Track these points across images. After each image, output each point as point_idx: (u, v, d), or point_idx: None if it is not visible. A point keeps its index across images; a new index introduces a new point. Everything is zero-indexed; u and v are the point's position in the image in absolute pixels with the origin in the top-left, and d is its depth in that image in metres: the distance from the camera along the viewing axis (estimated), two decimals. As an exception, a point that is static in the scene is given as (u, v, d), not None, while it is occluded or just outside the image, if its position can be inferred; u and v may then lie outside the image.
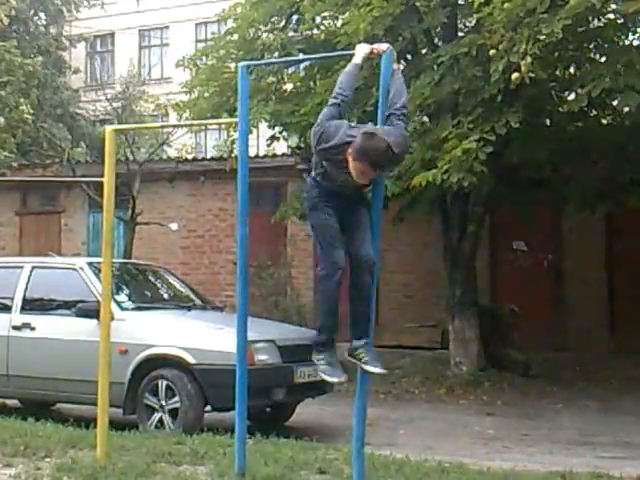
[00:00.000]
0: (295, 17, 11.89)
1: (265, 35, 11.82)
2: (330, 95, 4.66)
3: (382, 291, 13.15)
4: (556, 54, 9.65)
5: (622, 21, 9.42)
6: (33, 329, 8.24)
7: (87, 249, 16.34)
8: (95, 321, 7.18)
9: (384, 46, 4.67)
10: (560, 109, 10.78)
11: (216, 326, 8.03)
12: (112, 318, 6.54)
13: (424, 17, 10.60)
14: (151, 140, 20.41)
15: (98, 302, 7.05)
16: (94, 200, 13.85)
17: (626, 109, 9.60)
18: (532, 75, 8.46)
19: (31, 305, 8.46)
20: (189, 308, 8.86)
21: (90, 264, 8.49)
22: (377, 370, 4.46)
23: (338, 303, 4.48)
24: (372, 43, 4.86)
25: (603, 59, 9.75)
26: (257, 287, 13.98)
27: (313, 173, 4.60)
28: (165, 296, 9.37)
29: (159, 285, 9.53)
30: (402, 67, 10.72)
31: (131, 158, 15.14)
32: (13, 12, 18.54)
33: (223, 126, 16.05)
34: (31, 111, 16.46)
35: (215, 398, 7.39)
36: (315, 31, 11.65)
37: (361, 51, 4.67)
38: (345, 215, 4.53)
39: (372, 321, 4.59)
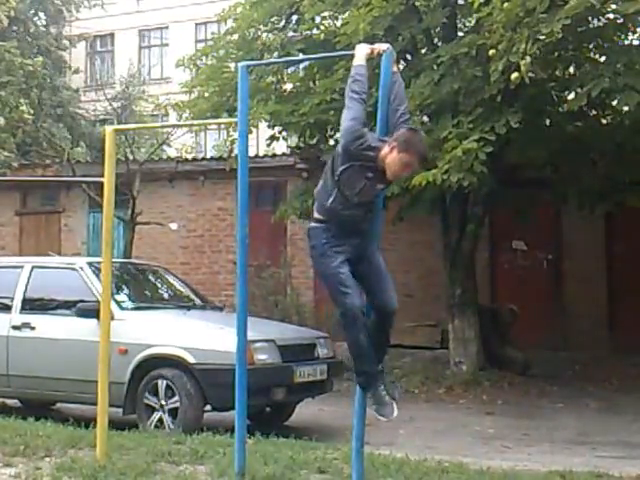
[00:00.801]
0: (295, 17, 11.88)
1: (265, 35, 11.82)
2: (346, 95, 4.52)
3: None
4: (556, 54, 9.65)
5: (622, 21, 9.41)
6: (33, 329, 8.25)
7: (87, 249, 16.32)
8: (95, 321, 7.18)
9: (384, 46, 4.65)
10: (560, 109, 10.77)
11: (216, 326, 8.04)
12: (112, 318, 6.56)
13: (424, 17, 10.60)
14: (151, 140, 20.43)
15: (98, 302, 7.05)
16: (94, 200, 13.82)
17: (626, 109, 9.58)
18: (532, 75, 8.46)
19: (31, 305, 8.47)
20: (189, 308, 8.86)
21: (90, 264, 8.50)
22: (386, 419, 4.45)
23: (369, 344, 4.42)
24: (372, 43, 4.85)
25: (603, 59, 9.75)
26: (257, 287, 13.97)
27: (328, 202, 4.44)
28: (165, 296, 9.39)
29: (159, 285, 9.53)
30: (402, 67, 10.73)
31: (131, 158, 15.13)
32: (13, 12, 18.55)
33: (223, 126, 16.02)
34: (31, 111, 16.48)
35: (215, 398, 7.40)
36: (315, 31, 11.62)
37: (361, 51, 4.63)
38: (360, 259, 4.49)
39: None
